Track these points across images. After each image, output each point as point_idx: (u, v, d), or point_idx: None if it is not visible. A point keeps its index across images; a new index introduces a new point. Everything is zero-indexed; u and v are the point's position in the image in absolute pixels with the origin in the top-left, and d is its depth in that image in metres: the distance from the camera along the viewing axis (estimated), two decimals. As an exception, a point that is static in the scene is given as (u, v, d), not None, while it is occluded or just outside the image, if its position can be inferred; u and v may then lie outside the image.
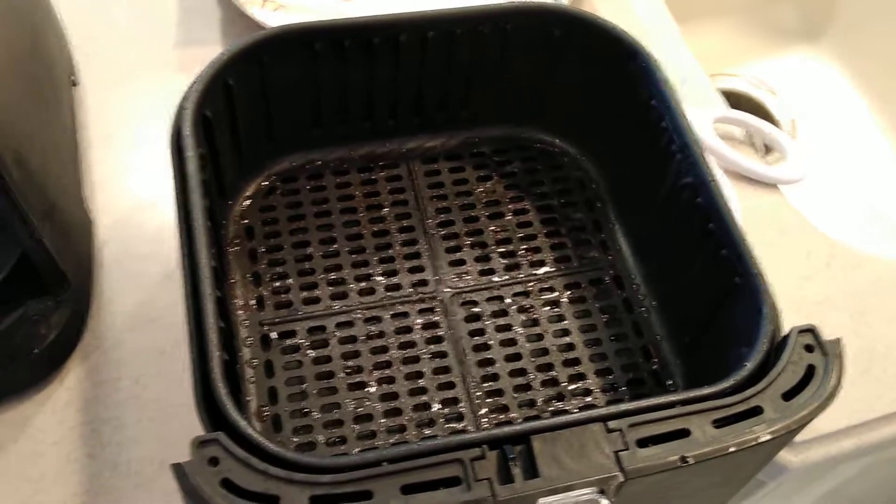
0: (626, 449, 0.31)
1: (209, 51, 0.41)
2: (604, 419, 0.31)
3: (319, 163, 0.48)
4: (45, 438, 0.40)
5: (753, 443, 0.31)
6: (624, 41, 0.42)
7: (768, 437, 0.31)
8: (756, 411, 0.32)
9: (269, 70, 0.42)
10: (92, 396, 0.41)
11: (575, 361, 0.43)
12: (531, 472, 0.30)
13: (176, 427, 0.41)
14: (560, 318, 0.44)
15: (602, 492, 0.30)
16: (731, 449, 0.31)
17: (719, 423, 0.32)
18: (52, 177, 0.38)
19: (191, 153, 0.36)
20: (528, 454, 0.31)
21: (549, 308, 0.44)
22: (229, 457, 0.29)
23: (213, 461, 0.29)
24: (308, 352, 0.42)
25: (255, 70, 0.42)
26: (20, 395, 0.40)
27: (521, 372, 0.42)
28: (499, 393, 0.41)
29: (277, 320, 0.43)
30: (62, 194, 0.40)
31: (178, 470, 0.28)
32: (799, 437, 0.43)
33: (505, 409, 0.41)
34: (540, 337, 0.43)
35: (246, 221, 0.46)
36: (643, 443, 0.31)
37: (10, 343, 0.38)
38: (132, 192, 0.48)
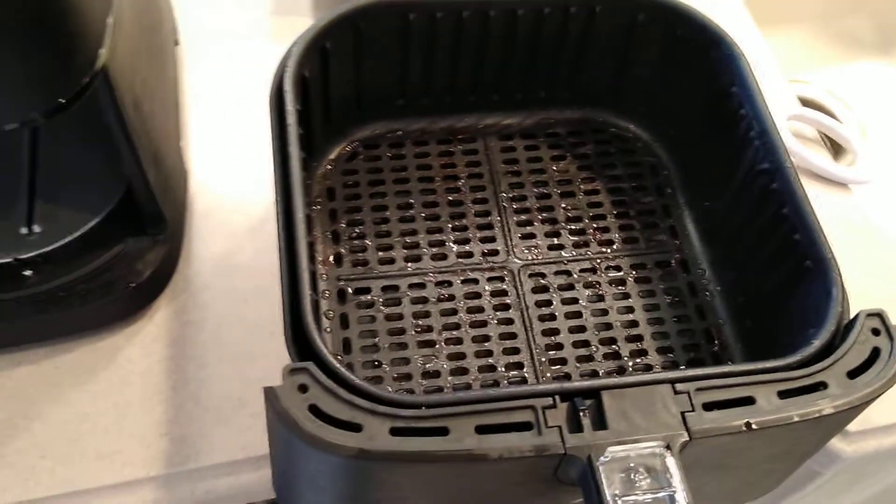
0: (693, 411, 0.32)
1: (300, 21, 0.43)
2: (672, 381, 0.33)
3: (401, 133, 0.50)
4: (133, 369, 0.42)
5: (816, 415, 0.32)
6: (709, 28, 0.43)
7: (831, 410, 0.32)
8: (821, 386, 0.33)
9: (365, 38, 0.44)
10: (178, 334, 0.43)
11: (637, 338, 0.44)
12: (600, 423, 0.32)
13: (254, 370, 0.43)
14: (625, 295, 0.45)
15: (668, 447, 0.31)
16: (795, 419, 0.32)
17: (784, 395, 0.33)
18: (158, 124, 0.41)
19: (290, 108, 0.39)
20: (597, 407, 0.32)
21: (614, 286, 0.46)
22: (317, 385, 0.31)
23: (303, 388, 0.31)
24: (381, 308, 0.44)
25: (352, 37, 0.44)
26: (112, 328, 0.43)
27: (585, 343, 0.43)
28: (562, 361, 0.43)
29: (354, 277, 0.45)
30: (165, 142, 0.42)
31: (271, 393, 0.30)
32: (854, 428, 0.44)
33: (567, 377, 0.42)
34: (605, 312, 0.45)
35: (328, 183, 0.48)
36: (709, 407, 0.32)
37: (109, 275, 0.40)
38: (223, 149, 0.51)
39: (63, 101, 0.32)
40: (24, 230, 0.40)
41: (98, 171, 0.41)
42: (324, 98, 0.45)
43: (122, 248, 0.41)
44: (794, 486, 0.54)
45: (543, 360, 0.43)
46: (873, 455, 0.45)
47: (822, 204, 0.52)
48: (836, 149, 0.71)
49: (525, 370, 0.42)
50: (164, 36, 0.47)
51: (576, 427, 0.31)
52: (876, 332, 0.35)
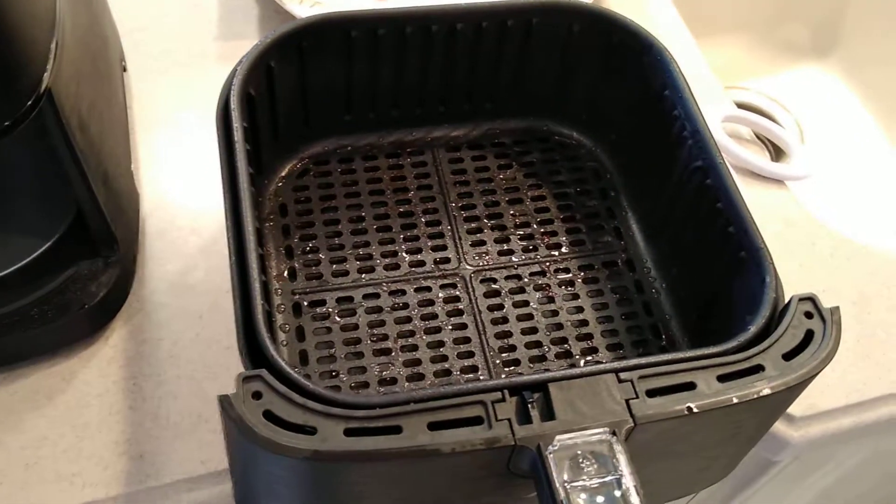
0: (637, 397, 0.33)
1: (247, 44, 0.44)
2: (616, 371, 0.34)
3: (350, 148, 0.51)
4: (90, 391, 0.42)
5: (755, 396, 0.33)
6: (640, 35, 0.45)
7: (768, 391, 0.34)
8: (758, 369, 0.34)
9: (309, 56, 0.45)
10: (134, 354, 0.44)
11: (588, 336, 0.45)
12: (548, 414, 0.33)
13: (212, 384, 0.43)
14: (574, 296, 0.47)
15: (613, 433, 0.32)
16: (734, 400, 0.33)
17: (723, 378, 0.34)
18: (107, 146, 0.41)
19: (237, 124, 0.39)
20: (545, 399, 0.33)
21: (564, 287, 0.47)
22: (271, 391, 0.32)
23: (257, 395, 0.31)
24: (337, 319, 0.44)
25: (296, 55, 0.45)
26: (68, 351, 0.43)
27: (537, 344, 0.45)
28: (516, 363, 0.44)
29: (308, 290, 0.45)
30: (115, 164, 0.43)
31: (225, 401, 0.31)
32: (800, 413, 0.46)
33: (520, 376, 0.43)
34: (555, 313, 0.46)
35: (280, 199, 0.48)
36: (652, 393, 0.33)
37: (63, 297, 0.41)
38: (173, 170, 0.51)
39: (7, 123, 0.32)
40: (-26, 257, 0.40)
41: (48, 194, 0.42)
42: (271, 116, 0.46)
43: (74, 270, 0.41)
44: (750, 477, 0.55)
45: (497, 362, 0.44)
46: (820, 439, 0.46)
47: (760, 200, 0.54)
48: (777, 152, 0.74)
49: (480, 373, 0.43)
50: (111, 61, 0.47)
51: (525, 419, 0.32)
52: (809, 315, 0.36)
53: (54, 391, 0.42)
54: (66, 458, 0.40)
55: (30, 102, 0.32)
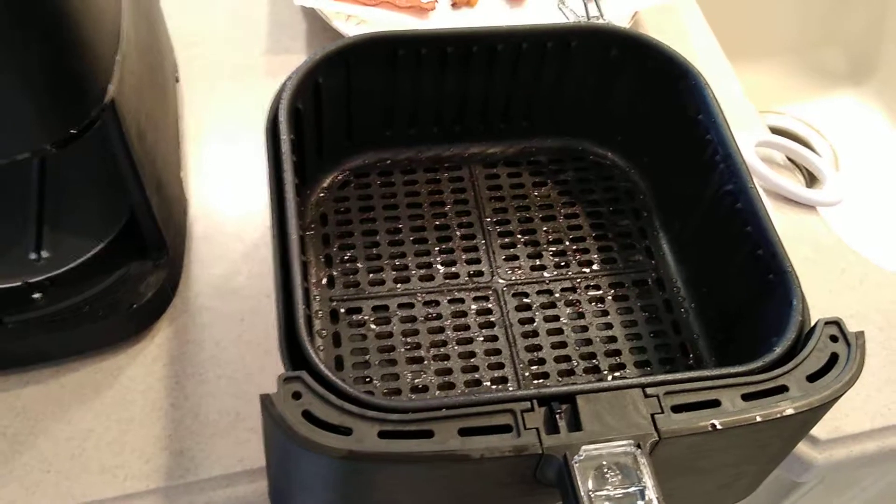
0: (662, 412, 0.34)
1: (295, 59, 0.46)
2: (643, 386, 0.35)
3: (390, 162, 0.53)
4: (135, 387, 0.44)
5: (778, 415, 0.34)
6: (676, 61, 0.46)
7: (791, 411, 0.34)
8: (782, 389, 0.35)
9: (354, 73, 0.47)
10: (178, 354, 0.45)
11: (616, 352, 0.46)
12: (575, 425, 0.34)
13: (251, 386, 0.45)
14: (604, 313, 0.48)
15: (638, 446, 0.33)
16: (757, 419, 0.34)
17: (748, 397, 0.35)
18: (161, 154, 0.43)
19: (285, 136, 0.41)
20: (572, 411, 0.34)
21: (594, 304, 0.48)
22: (310, 392, 0.33)
23: (296, 395, 0.33)
24: (372, 327, 0.46)
25: (342, 71, 0.46)
26: (116, 348, 0.45)
27: (566, 358, 0.46)
28: (544, 376, 0.45)
29: (346, 297, 0.47)
30: (167, 171, 0.45)
31: (266, 400, 0.32)
32: (824, 436, 0.46)
33: (549, 388, 0.44)
34: (585, 329, 0.47)
35: (321, 209, 0.50)
36: (677, 409, 0.34)
37: (113, 296, 0.43)
38: (221, 179, 0.54)
39: (74, 132, 0.34)
40: (33, 255, 0.43)
41: (103, 198, 0.44)
42: (317, 129, 0.48)
43: (125, 271, 0.43)
44: (775, 499, 0.55)
45: (527, 374, 0.45)
46: (845, 462, 0.47)
47: (791, 225, 0.54)
48: (812, 178, 0.74)
49: (509, 384, 0.45)
50: (166, 73, 0.49)
51: (552, 429, 0.33)
52: (834, 338, 0.37)
53: (101, 386, 0.44)
54: (110, 450, 0.42)
55: (95, 113, 0.34)
